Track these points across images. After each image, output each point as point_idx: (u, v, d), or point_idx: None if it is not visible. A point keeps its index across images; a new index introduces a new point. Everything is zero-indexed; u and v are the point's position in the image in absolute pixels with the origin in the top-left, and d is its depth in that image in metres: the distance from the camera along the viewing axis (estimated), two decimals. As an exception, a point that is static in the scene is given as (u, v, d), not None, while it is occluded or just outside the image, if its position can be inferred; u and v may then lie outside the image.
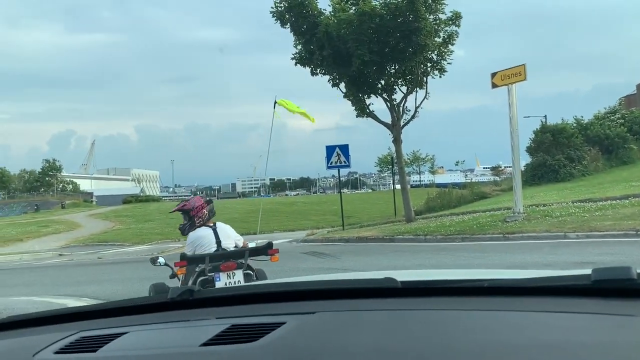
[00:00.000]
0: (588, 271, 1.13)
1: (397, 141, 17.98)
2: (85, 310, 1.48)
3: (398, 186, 27.44)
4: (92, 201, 75.37)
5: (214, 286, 4.19)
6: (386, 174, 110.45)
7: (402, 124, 18.00)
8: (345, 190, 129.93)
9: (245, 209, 47.60)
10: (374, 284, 1.35)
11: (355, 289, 1.33)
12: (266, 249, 4.61)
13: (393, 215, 28.90)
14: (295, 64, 17.82)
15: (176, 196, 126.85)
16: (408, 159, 45.17)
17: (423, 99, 17.93)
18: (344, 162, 20.34)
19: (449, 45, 17.71)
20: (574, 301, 1.11)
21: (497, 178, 52.97)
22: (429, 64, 17.96)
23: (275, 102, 8.25)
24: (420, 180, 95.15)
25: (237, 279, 4.52)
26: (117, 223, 38.25)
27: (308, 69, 17.85)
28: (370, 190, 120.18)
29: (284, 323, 1.12)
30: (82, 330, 1.28)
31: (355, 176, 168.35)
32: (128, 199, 64.14)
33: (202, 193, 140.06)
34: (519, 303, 1.15)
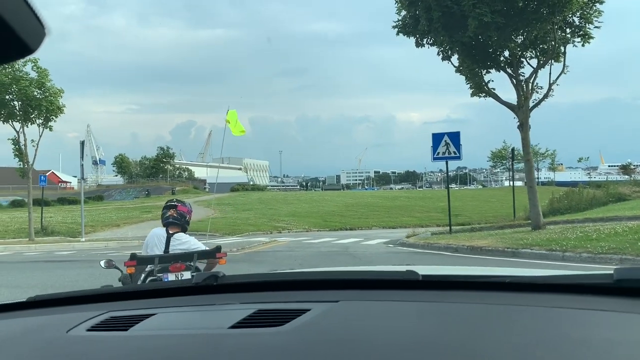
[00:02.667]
0: (610, 271, 1.14)
1: (523, 126, 14.30)
2: (112, 292, 1.55)
3: (518, 183, 23.39)
4: (205, 188, 77.74)
5: None
6: (499, 170, 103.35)
7: (530, 105, 14.33)
8: (453, 185, 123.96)
9: (345, 202, 45.47)
10: (396, 276, 1.39)
11: (378, 280, 1.38)
12: (214, 253, 4.61)
13: (511, 216, 25.02)
14: (397, 33, 14.83)
15: (283, 186, 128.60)
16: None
17: (560, 74, 14.16)
18: (454, 152, 17.01)
19: (596, 4, 13.75)
20: (596, 299, 1.11)
21: (627, 177, 46.03)
22: (568, 30, 14.12)
23: (227, 112, 9.34)
24: (538, 178, 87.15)
25: None
26: (216, 211, 37.55)
27: (413, 41, 14.79)
28: (480, 187, 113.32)
29: (308, 310, 1.13)
30: (111, 310, 1.29)
31: (464, 171, 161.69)
32: (235, 187, 65.72)
33: (308, 184, 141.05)
34: (540, 299, 1.15)
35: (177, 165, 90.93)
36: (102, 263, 4.55)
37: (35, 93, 20.01)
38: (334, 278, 1.42)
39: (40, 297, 1.49)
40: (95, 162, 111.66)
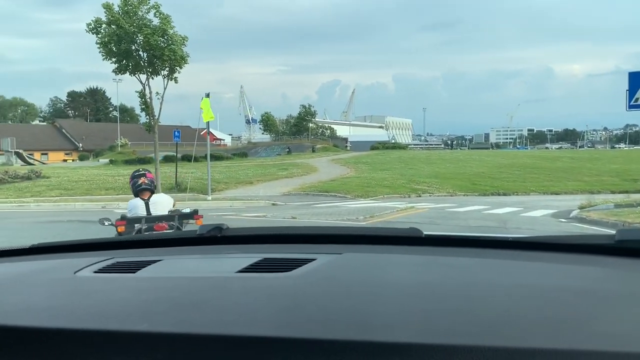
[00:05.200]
0: (613, 231, 1.15)
1: None
2: (117, 240, 1.62)
3: None
4: (346, 146, 77.37)
5: None
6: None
7: None
8: (621, 145, 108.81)
9: (496, 162, 40.54)
10: (399, 232, 1.41)
11: (381, 237, 1.43)
12: (192, 215, 5.20)
13: None
14: None
15: (426, 144, 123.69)
16: None
17: None
18: (661, 97, 12.43)
19: None
20: (596, 258, 1.13)
21: None
22: None
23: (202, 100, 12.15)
24: None
25: None
26: (352, 170, 35.53)
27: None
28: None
29: (314, 259, 1.15)
30: (116, 257, 1.31)
31: (635, 129, 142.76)
32: (375, 146, 64.27)
33: (453, 142, 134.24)
34: (541, 256, 1.17)
35: (320, 124, 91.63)
36: (101, 221, 5.17)
37: (159, 42, 18.97)
38: (338, 233, 1.50)
39: (45, 244, 1.51)
40: (247, 121, 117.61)
